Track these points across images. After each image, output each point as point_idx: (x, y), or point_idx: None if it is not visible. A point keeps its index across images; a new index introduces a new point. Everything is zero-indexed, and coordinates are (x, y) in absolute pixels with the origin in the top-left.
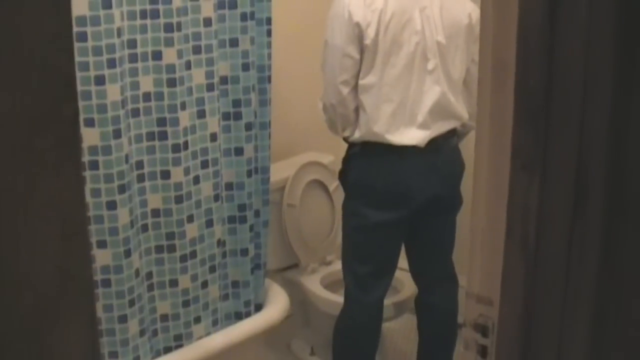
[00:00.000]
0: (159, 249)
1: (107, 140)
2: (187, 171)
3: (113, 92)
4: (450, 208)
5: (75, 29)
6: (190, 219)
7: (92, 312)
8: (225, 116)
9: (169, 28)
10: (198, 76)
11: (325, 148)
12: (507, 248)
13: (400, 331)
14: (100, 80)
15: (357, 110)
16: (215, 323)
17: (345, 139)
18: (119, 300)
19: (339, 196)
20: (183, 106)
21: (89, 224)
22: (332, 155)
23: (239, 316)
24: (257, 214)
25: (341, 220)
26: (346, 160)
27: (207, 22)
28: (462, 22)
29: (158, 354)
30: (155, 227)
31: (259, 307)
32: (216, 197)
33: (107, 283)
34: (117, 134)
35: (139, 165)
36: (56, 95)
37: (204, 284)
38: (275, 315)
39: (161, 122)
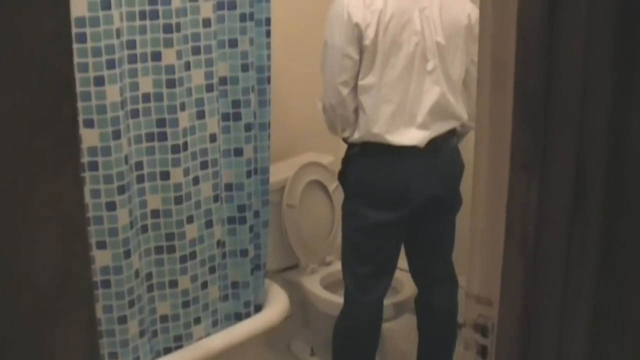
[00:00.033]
0: (159, 249)
1: (107, 141)
2: (186, 172)
3: (112, 93)
4: (449, 208)
5: (74, 30)
6: (190, 219)
7: (92, 313)
8: (225, 117)
9: (168, 29)
10: (197, 77)
11: (325, 149)
12: (506, 248)
13: (400, 331)
14: (99, 81)
15: (356, 110)
16: (215, 324)
17: (345, 140)
18: (118, 301)
19: (339, 197)
20: (182, 107)
21: (89, 225)
22: (332, 156)
23: (238, 317)
24: (256, 214)
25: (341, 220)
26: (346, 161)
27: (207, 22)
28: (461, 22)
29: (158, 355)
30: (155, 228)
31: (258, 308)
32: (216, 198)
33: (106, 284)
34: (117, 135)
35: (139, 166)
36: (55, 96)
37: (204, 285)
38: (275, 315)
39: (161, 123)
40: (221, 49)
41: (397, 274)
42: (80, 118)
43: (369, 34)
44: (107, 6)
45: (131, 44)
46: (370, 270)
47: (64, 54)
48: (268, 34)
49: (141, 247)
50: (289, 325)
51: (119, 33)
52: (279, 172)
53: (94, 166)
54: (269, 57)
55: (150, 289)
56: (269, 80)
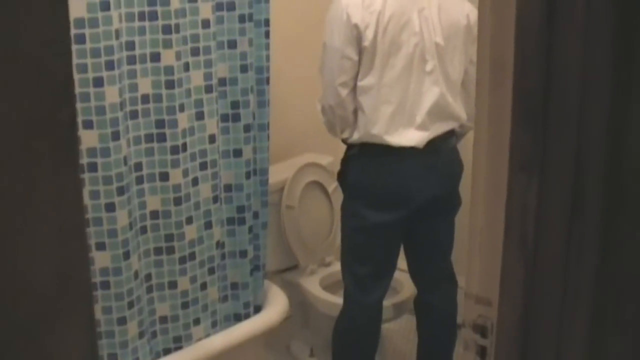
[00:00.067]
0: (158, 250)
1: (106, 142)
2: (185, 173)
3: (111, 94)
4: (449, 209)
5: (73, 31)
6: (189, 220)
7: (91, 314)
8: (224, 118)
9: (167, 30)
10: (196, 78)
11: (324, 149)
12: (505, 248)
13: (399, 332)
14: (98, 82)
15: (355, 111)
16: (214, 324)
17: (344, 141)
18: (118, 302)
19: (338, 197)
20: (182, 108)
21: (88, 226)
22: (331, 157)
23: (238, 318)
24: (256, 215)
25: (340, 221)
26: (345, 162)
27: (206, 23)
28: (460, 23)
29: (157, 356)
30: (154, 229)
31: (258, 309)
32: (215, 199)
33: (106, 285)
34: (116, 136)
35: (138, 167)
36: (54, 97)
37: (203, 286)
38: (275, 316)
39: (160, 124)
40: (220, 50)
41: (397, 274)
42: (80, 119)
43: (368, 35)
44: (106, 7)
45: (130, 45)
46: (370, 271)
47: (62, 55)
48: (267, 35)
49: (140, 249)
50: (289, 326)
51: (118, 34)
52: (278, 173)
53: (93, 167)
54: (268, 58)
55: (149, 290)
56: (268, 81)
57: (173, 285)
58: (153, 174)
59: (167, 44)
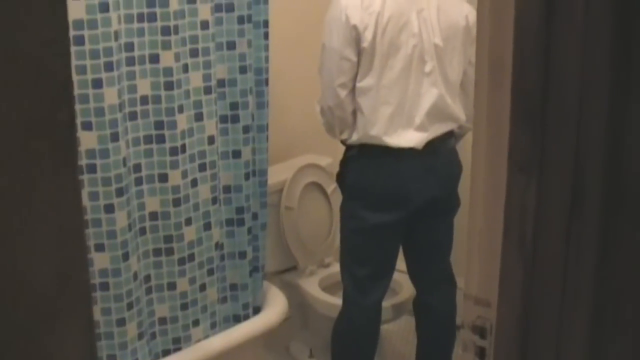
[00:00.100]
0: (157, 252)
1: (105, 143)
2: (184, 174)
3: (110, 95)
4: (448, 210)
5: (72, 33)
6: (188, 221)
7: (90, 316)
8: (223, 119)
9: (166, 31)
10: (195, 79)
11: (323, 150)
12: (504, 249)
13: (398, 333)
14: (97, 84)
15: (354, 112)
16: (213, 326)
17: (343, 142)
18: (117, 303)
19: (337, 198)
20: (180, 109)
21: (87, 228)
22: (330, 158)
23: (237, 319)
24: (255, 216)
25: (339, 222)
26: (344, 163)
27: (205, 25)
28: (459, 24)
29: (157, 357)
30: (153, 230)
31: (257, 310)
32: (214, 200)
33: (105, 286)
34: (115, 137)
35: (137, 168)
36: (53, 98)
37: (202, 287)
38: (274, 317)
39: (159, 125)
40: (219, 51)
41: (396, 275)
42: (78, 120)
43: (367, 36)
44: (105, 9)
45: (129, 47)
46: (369, 272)
47: (61, 57)
48: (266, 36)
49: (139, 250)
50: (288, 327)
51: (117, 35)
52: (277, 174)
53: (92, 169)
54: (267, 59)
55: (148, 291)
56: (267, 82)
57: (172, 286)
58: (152, 175)
59: (166, 46)
